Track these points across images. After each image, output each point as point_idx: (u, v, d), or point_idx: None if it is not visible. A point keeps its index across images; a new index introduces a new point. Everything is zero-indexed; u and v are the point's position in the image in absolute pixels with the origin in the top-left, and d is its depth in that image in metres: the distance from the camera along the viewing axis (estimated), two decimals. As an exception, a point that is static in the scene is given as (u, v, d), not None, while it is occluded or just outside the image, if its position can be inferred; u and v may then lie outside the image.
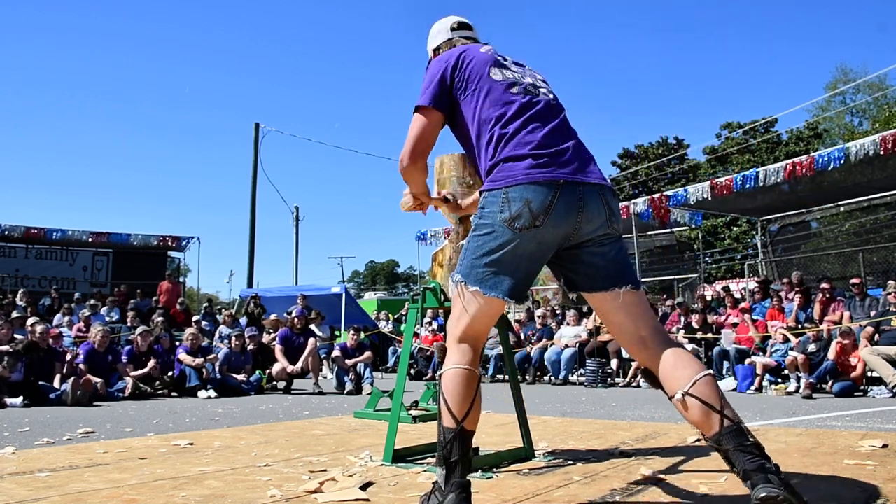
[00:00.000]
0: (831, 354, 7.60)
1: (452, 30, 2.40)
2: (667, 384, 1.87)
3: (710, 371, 1.84)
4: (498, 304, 2.00)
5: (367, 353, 9.05)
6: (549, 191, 1.91)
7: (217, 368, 8.32)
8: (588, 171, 1.99)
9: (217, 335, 11.20)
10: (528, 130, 2.01)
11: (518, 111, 2.05)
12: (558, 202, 1.91)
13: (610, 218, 1.98)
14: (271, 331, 11.13)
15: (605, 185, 1.99)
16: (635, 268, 1.96)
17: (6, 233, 15.29)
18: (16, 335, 7.77)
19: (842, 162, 9.37)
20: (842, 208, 12.33)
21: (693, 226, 13.64)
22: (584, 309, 11.51)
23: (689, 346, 9.00)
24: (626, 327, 1.96)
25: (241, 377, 8.49)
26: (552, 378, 10.36)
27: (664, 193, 12.00)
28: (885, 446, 3.11)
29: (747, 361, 8.39)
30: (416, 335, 11.96)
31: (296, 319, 9.37)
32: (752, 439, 1.73)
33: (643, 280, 11.05)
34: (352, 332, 9.34)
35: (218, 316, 12.94)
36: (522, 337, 11.18)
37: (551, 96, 2.16)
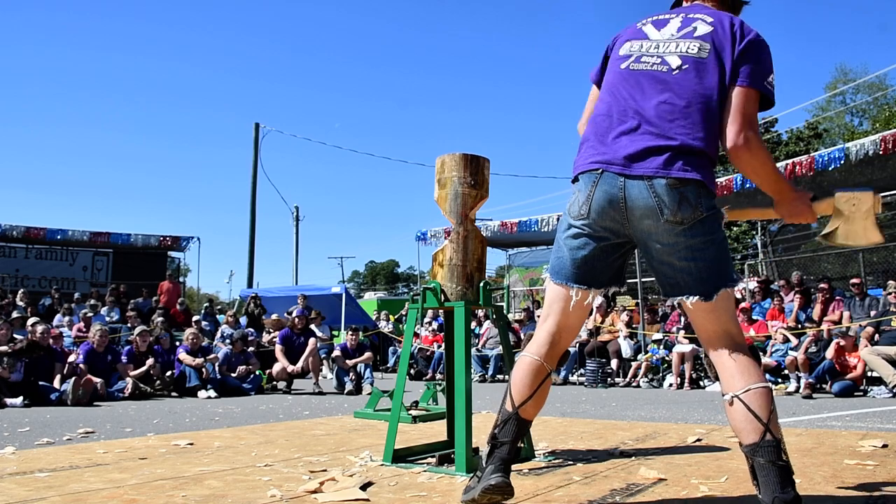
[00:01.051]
0: (829, 354, 7.61)
1: None
2: (721, 383, 1.88)
3: (769, 384, 1.82)
4: (564, 291, 2.00)
5: (368, 354, 9.05)
6: (589, 179, 1.91)
7: (217, 368, 8.32)
8: (639, 160, 1.84)
9: (218, 335, 11.20)
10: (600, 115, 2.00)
11: (614, 89, 1.98)
12: (596, 192, 1.89)
13: (662, 211, 1.81)
14: (272, 330, 11.14)
15: (654, 175, 1.82)
16: (719, 270, 1.85)
17: (6, 233, 15.30)
18: (16, 335, 7.77)
19: (842, 162, 9.36)
20: (842, 208, 12.31)
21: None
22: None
23: (689, 347, 9.01)
24: (696, 328, 1.95)
25: (240, 377, 8.49)
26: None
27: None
28: (885, 446, 3.11)
29: (747, 361, 8.38)
30: (416, 335, 11.96)
31: (296, 319, 9.38)
32: (785, 459, 1.73)
33: (643, 280, 11.10)
34: (350, 332, 9.34)
35: (220, 317, 12.94)
36: (522, 337, 11.17)
37: (675, 64, 1.91)
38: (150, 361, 7.94)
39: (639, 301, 10.88)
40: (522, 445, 2.93)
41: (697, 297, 1.86)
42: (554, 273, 2.04)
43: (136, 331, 8.47)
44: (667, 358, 9.44)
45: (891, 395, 7.00)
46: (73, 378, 6.75)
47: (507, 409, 2.00)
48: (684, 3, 2.14)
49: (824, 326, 8.36)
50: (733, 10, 2.09)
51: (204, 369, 8.12)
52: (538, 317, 12.47)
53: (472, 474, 2.08)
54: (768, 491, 1.70)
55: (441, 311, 3.07)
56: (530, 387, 1.98)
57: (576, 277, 1.99)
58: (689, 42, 1.92)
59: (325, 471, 2.66)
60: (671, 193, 1.81)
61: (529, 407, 1.99)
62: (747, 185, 10.44)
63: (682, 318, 9.98)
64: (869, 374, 7.52)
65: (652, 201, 1.83)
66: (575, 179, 1.99)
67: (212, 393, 7.85)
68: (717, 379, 1.96)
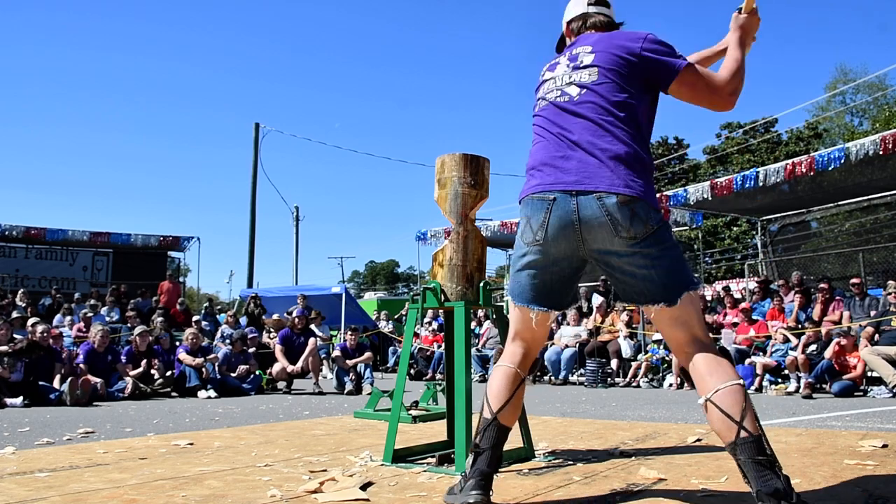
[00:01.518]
0: (828, 353, 7.61)
1: (589, 4, 2.28)
2: (697, 387, 1.91)
3: (740, 381, 1.83)
4: (526, 312, 2.10)
5: (368, 354, 9.05)
6: (541, 205, 1.98)
7: (217, 368, 8.32)
8: (585, 180, 1.92)
9: (218, 335, 11.20)
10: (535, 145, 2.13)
11: (538, 127, 2.13)
12: (551, 217, 1.96)
13: (615, 228, 1.89)
14: (273, 330, 11.14)
15: (604, 191, 1.89)
16: (678, 276, 1.93)
17: (6, 233, 15.30)
18: (16, 335, 7.77)
19: (842, 162, 9.36)
20: (842, 208, 12.33)
21: (693, 226, 13.64)
22: (585, 308, 11.52)
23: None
24: (667, 336, 2.00)
25: (240, 377, 8.49)
26: (552, 378, 10.37)
27: (664, 193, 11.98)
28: (885, 446, 3.11)
29: (747, 361, 8.39)
30: (416, 335, 11.95)
31: (296, 319, 9.38)
32: (767, 453, 1.74)
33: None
34: (349, 332, 9.35)
35: (220, 317, 12.94)
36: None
37: (574, 92, 2.05)
38: (147, 362, 7.95)
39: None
40: (523, 445, 2.94)
41: (662, 303, 1.93)
42: (515, 296, 2.13)
43: (137, 331, 8.47)
44: (667, 358, 9.44)
45: (891, 395, 7.00)
46: (71, 378, 6.75)
47: (486, 417, 2.08)
48: (568, 41, 2.29)
49: (824, 327, 8.36)
50: (613, 30, 2.23)
51: (204, 369, 8.12)
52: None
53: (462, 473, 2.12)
54: (754, 486, 1.73)
55: (441, 311, 3.07)
56: (506, 392, 2.08)
57: (536, 300, 2.09)
58: (580, 72, 2.07)
59: (325, 471, 2.66)
60: (622, 210, 1.89)
61: (507, 412, 2.08)
62: (747, 186, 10.44)
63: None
64: (869, 374, 7.51)
65: (605, 219, 1.90)
66: (520, 203, 2.09)
67: (212, 393, 7.85)
68: (691, 386, 1.99)
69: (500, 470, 2.66)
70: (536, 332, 2.14)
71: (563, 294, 2.10)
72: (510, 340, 2.18)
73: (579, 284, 2.32)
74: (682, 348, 1.95)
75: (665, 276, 1.92)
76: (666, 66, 2.00)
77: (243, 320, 12.21)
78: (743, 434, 1.75)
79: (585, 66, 2.06)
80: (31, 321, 8.37)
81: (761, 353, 8.53)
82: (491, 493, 2.04)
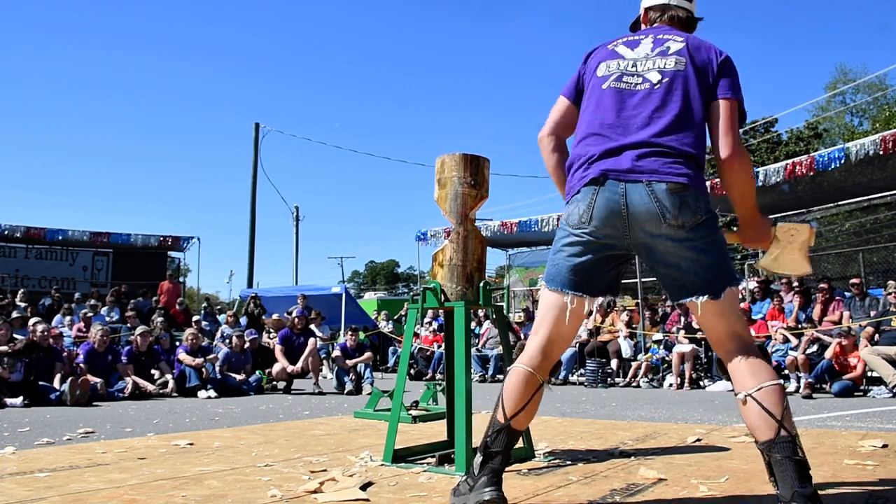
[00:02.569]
0: (829, 354, 7.61)
1: None
2: (734, 384, 1.90)
3: (780, 381, 1.85)
4: (560, 298, 2.02)
5: (368, 354, 9.06)
6: (589, 190, 1.96)
7: (217, 368, 8.32)
8: (637, 168, 1.90)
9: (219, 335, 11.20)
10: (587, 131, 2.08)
11: (602, 106, 2.06)
12: (598, 200, 1.93)
13: (663, 215, 1.86)
14: (273, 330, 11.14)
15: (653, 179, 1.88)
16: (723, 269, 1.91)
17: (6, 233, 15.29)
18: (16, 335, 7.77)
19: (842, 162, 9.36)
20: (842, 208, 12.32)
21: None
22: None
23: (689, 346, 9.01)
24: (706, 329, 1.97)
25: (240, 377, 8.50)
26: (552, 378, 10.36)
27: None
28: (885, 446, 3.12)
29: (747, 361, 8.38)
30: (416, 335, 11.96)
31: (296, 319, 9.37)
32: (801, 454, 1.76)
33: (643, 280, 11.09)
34: (349, 332, 9.35)
35: (220, 317, 12.93)
36: (522, 337, 11.17)
37: (654, 79, 2.01)
38: (168, 376, 8.04)
39: (639, 301, 10.88)
40: (523, 445, 2.94)
41: (706, 296, 1.88)
42: (550, 280, 2.06)
43: (137, 331, 8.47)
44: (667, 358, 9.44)
45: (891, 395, 7.00)
46: (71, 378, 6.74)
47: (498, 420, 2.01)
48: (643, 27, 2.26)
49: (824, 327, 8.36)
50: (689, 30, 2.22)
51: (204, 369, 8.12)
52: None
53: (462, 479, 2.07)
54: (787, 486, 1.72)
55: (441, 311, 3.07)
56: (522, 398, 2.00)
57: (572, 284, 2.01)
58: (666, 59, 2.03)
59: (325, 471, 2.66)
60: (671, 198, 1.86)
61: (521, 418, 2.01)
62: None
63: (682, 319, 9.99)
64: (869, 374, 7.52)
65: (653, 206, 1.87)
66: (576, 192, 2.03)
67: (212, 393, 7.84)
68: (728, 379, 1.98)
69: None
70: (565, 327, 2.04)
71: (601, 280, 2.04)
72: (534, 335, 2.08)
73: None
74: (722, 344, 1.93)
75: (710, 268, 1.89)
76: (727, 85, 2.00)
77: (243, 320, 12.21)
78: (783, 433, 1.76)
79: (672, 54, 2.03)
80: (31, 321, 8.37)
81: (761, 353, 8.53)
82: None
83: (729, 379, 1.99)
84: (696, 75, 2.00)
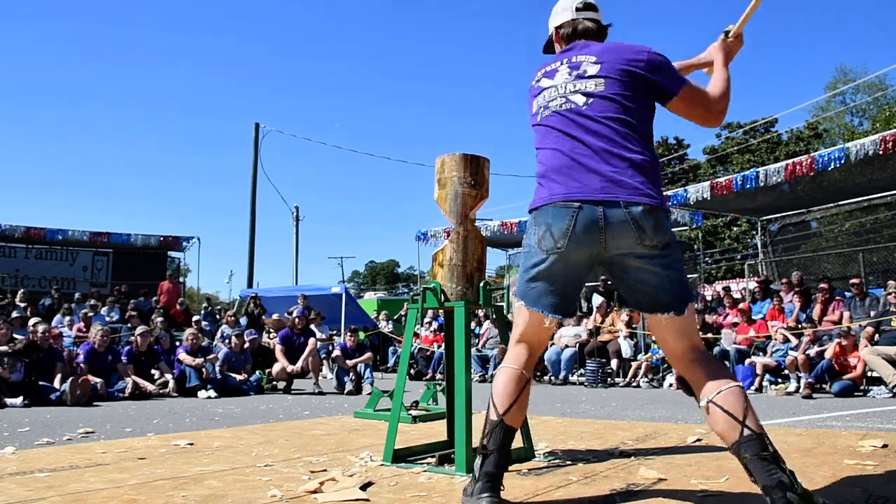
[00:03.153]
0: (829, 354, 7.61)
1: (577, 10, 2.29)
2: (697, 393, 1.96)
3: (739, 383, 1.90)
4: (540, 317, 2.10)
5: (368, 354, 9.06)
6: (565, 212, 1.99)
7: (217, 368, 8.32)
8: (609, 189, 1.95)
9: (218, 335, 11.20)
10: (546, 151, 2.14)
11: (546, 135, 2.14)
12: (578, 224, 1.97)
13: (643, 236, 1.93)
14: (273, 330, 11.14)
15: (630, 201, 1.93)
16: (685, 285, 2.04)
17: (6, 233, 15.29)
18: (16, 335, 7.77)
19: (842, 162, 9.36)
20: (842, 208, 12.32)
21: (693, 226, 13.64)
22: (584, 309, 11.51)
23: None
24: (667, 344, 2.04)
25: (240, 377, 8.51)
26: (552, 378, 10.36)
27: (664, 193, 12.00)
28: (885, 446, 3.11)
29: (747, 361, 8.39)
30: (416, 335, 11.96)
31: (296, 319, 9.37)
32: (770, 450, 1.78)
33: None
34: (348, 333, 9.35)
35: (220, 317, 12.93)
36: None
37: (580, 101, 2.07)
38: (168, 376, 8.03)
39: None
40: (523, 445, 2.94)
41: (672, 312, 1.98)
42: (529, 302, 2.11)
43: (137, 331, 8.47)
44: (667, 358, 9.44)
45: (891, 395, 7.00)
46: (71, 378, 6.74)
47: (492, 419, 2.08)
48: (557, 48, 2.31)
49: (824, 327, 8.35)
50: (601, 40, 2.27)
51: (204, 369, 8.12)
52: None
53: (471, 474, 2.11)
54: (761, 481, 1.76)
55: (441, 311, 3.07)
56: (512, 394, 2.08)
57: (552, 307, 2.08)
58: (586, 82, 2.08)
59: (325, 471, 2.66)
60: (647, 219, 1.94)
61: (513, 413, 2.08)
62: (747, 186, 10.44)
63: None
64: (869, 374, 7.51)
65: (631, 227, 1.93)
66: (533, 210, 2.08)
67: (212, 393, 7.84)
68: (690, 394, 2.02)
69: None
70: (542, 335, 2.17)
71: (574, 300, 2.15)
72: (514, 342, 2.18)
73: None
74: (683, 357, 2.00)
75: (675, 285, 1.99)
76: (669, 82, 2.07)
77: (243, 320, 12.21)
78: (746, 432, 1.79)
79: (591, 77, 2.08)
80: (31, 321, 8.37)
81: (761, 354, 8.53)
82: (502, 489, 2.05)
83: (689, 393, 2.02)
84: (625, 85, 2.05)
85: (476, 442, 2.83)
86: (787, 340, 8.35)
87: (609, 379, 9.73)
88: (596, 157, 1.99)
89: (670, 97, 2.07)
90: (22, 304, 11.74)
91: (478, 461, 2.05)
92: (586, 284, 11.93)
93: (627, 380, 9.62)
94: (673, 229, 2.11)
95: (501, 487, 2.05)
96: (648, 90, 2.07)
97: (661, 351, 9.56)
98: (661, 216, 1.96)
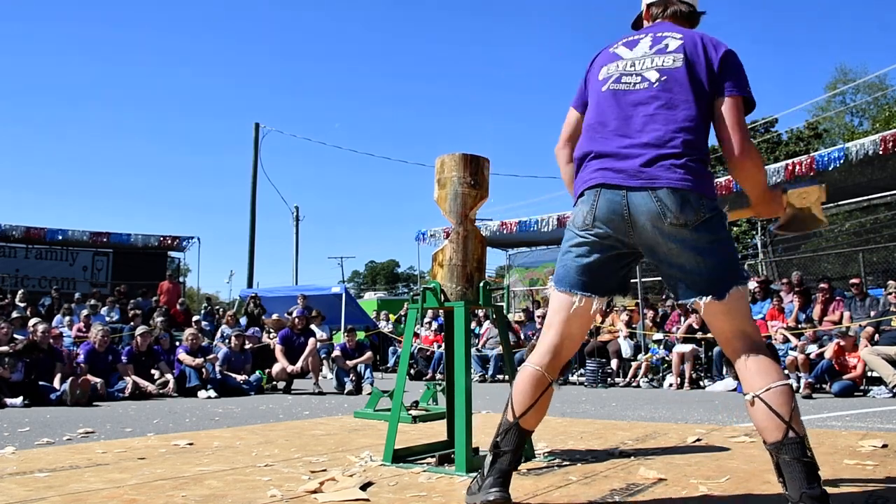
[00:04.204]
0: (828, 354, 7.61)
1: None
2: (743, 384, 1.90)
3: (789, 381, 1.85)
4: (569, 298, 2.04)
5: (368, 354, 9.05)
6: (591, 193, 1.98)
7: (217, 368, 8.32)
8: (639, 172, 1.92)
9: (218, 335, 11.19)
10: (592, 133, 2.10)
11: (603, 108, 2.07)
12: (600, 202, 1.96)
13: (664, 214, 1.87)
14: (273, 330, 11.13)
15: (655, 186, 1.89)
16: (727, 269, 1.91)
17: (6, 233, 15.29)
18: (16, 335, 7.76)
19: (842, 162, 9.36)
20: (842, 208, 12.32)
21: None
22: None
23: (689, 347, 9.01)
24: (714, 331, 1.97)
25: (241, 377, 8.51)
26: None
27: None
28: (885, 446, 3.12)
29: (747, 361, 8.37)
30: (416, 335, 11.95)
31: (296, 319, 9.37)
32: (810, 455, 1.75)
33: (643, 280, 11.09)
34: (347, 333, 9.35)
35: (220, 317, 12.93)
36: (522, 337, 11.18)
37: (653, 77, 2.01)
38: (168, 376, 8.01)
39: (639, 301, 10.88)
40: (525, 449, 2.94)
41: (710, 297, 1.89)
42: (558, 281, 2.08)
43: (138, 331, 8.47)
44: (667, 358, 9.44)
45: (891, 395, 7.00)
46: (71, 378, 6.74)
47: (507, 420, 2.03)
48: (645, 24, 2.26)
49: (824, 327, 8.35)
50: (692, 25, 2.22)
51: (204, 369, 8.12)
52: (538, 317, 12.48)
53: (474, 475, 2.10)
54: (795, 487, 1.72)
55: (441, 311, 3.07)
56: (532, 397, 2.02)
57: (580, 284, 2.03)
58: (664, 56, 2.03)
59: (325, 471, 2.66)
60: (672, 197, 1.87)
61: (530, 417, 2.03)
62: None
63: (682, 319, 9.99)
64: (869, 374, 7.51)
65: (655, 206, 1.88)
66: (580, 195, 2.05)
67: (212, 393, 7.84)
68: (736, 378, 2.00)
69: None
70: (574, 327, 2.07)
71: (609, 280, 2.05)
72: (543, 335, 2.09)
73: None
74: (729, 343, 1.92)
75: (714, 268, 1.89)
76: (730, 82, 1.98)
77: (243, 320, 12.21)
78: (791, 434, 1.75)
79: (671, 52, 2.02)
80: (32, 321, 8.37)
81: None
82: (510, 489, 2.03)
83: (737, 378, 1.99)
84: (696, 72, 1.98)
85: (476, 442, 2.84)
86: (787, 340, 8.35)
87: (609, 379, 9.73)
88: (643, 139, 1.95)
89: (721, 94, 1.97)
90: (22, 304, 11.74)
91: (488, 458, 2.02)
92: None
93: (627, 380, 9.62)
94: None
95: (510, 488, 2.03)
96: (712, 82, 1.98)
97: (660, 350, 9.59)
98: (691, 195, 1.88)
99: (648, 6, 2.25)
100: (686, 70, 1.98)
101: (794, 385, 7.73)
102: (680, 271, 1.92)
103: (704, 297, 1.89)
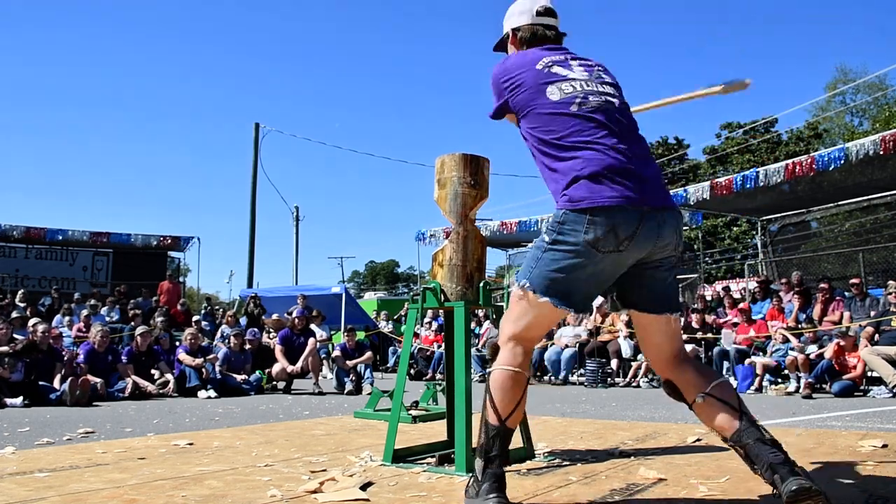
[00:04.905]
0: (828, 354, 7.61)
1: (538, 14, 2.27)
2: (687, 392, 2.00)
3: (726, 377, 2.00)
4: (560, 314, 2.10)
5: (368, 354, 9.06)
6: (634, 215, 1.92)
7: (217, 368, 8.32)
8: (664, 194, 2.04)
9: (218, 335, 11.19)
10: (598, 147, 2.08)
11: (593, 126, 2.08)
12: (644, 228, 1.94)
13: (678, 242, 2.03)
14: (273, 330, 11.14)
15: (674, 206, 2.05)
16: (677, 291, 2.19)
17: (6, 233, 15.29)
18: (16, 335, 7.76)
19: (842, 162, 9.37)
20: (842, 208, 12.33)
21: (693, 226, 13.65)
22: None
23: (689, 347, 9.01)
24: (662, 347, 2.09)
25: (241, 377, 8.51)
26: (552, 378, 10.36)
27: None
28: (885, 446, 3.11)
29: (747, 361, 8.39)
30: (416, 335, 11.95)
31: (296, 319, 9.37)
32: (768, 435, 1.84)
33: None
34: (346, 334, 9.35)
35: (220, 318, 12.93)
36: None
37: (616, 103, 2.13)
38: (168, 376, 8.01)
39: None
40: (522, 445, 2.94)
41: (676, 312, 2.08)
42: (558, 300, 1.98)
43: (137, 331, 8.47)
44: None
45: (891, 395, 7.00)
46: (71, 378, 6.74)
47: (493, 424, 2.01)
48: (511, 50, 2.33)
49: (824, 327, 8.35)
50: (560, 42, 2.33)
51: (204, 369, 8.12)
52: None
53: (471, 475, 2.10)
54: (764, 460, 1.78)
55: (441, 311, 3.07)
56: (514, 399, 2.03)
57: (583, 306, 2.07)
58: (606, 86, 2.13)
59: (325, 471, 2.66)
60: (680, 223, 2.05)
61: (515, 417, 2.06)
62: (747, 186, 10.44)
63: (682, 319, 9.99)
64: (869, 374, 7.51)
65: (675, 231, 2.02)
66: (592, 209, 1.92)
67: (212, 393, 7.84)
68: (678, 398, 2.04)
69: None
70: (544, 332, 2.22)
71: (594, 296, 2.17)
72: (515, 338, 2.07)
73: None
74: (673, 358, 2.07)
75: (677, 288, 2.13)
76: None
77: (243, 320, 12.21)
78: (745, 420, 1.86)
79: (609, 83, 2.15)
80: (31, 321, 8.37)
81: (761, 354, 8.53)
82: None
83: (677, 397, 2.03)
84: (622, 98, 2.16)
85: (476, 442, 2.84)
86: (786, 340, 8.35)
87: (609, 379, 9.73)
88: (647, 161, 2.03)
89: None
90: (22, 304, 11.74)
91: (479, 463, 2.02)
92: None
93: (627, 380, 9.62)
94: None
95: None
96: None
97: (645, 357, 9.59)
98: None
99: (514, 31, 2.35)
100: (622, 100, 2.19)
101: (795, 385, 7.74)
102: (660, 285, 2.08)
103: (672, 314, 2.07)
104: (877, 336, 7.76)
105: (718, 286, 13.75)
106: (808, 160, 9.85)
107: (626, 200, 1.92)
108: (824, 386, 7.69)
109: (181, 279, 18.42)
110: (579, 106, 2.04)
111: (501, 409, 2.01)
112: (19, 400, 6.43)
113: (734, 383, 8.34)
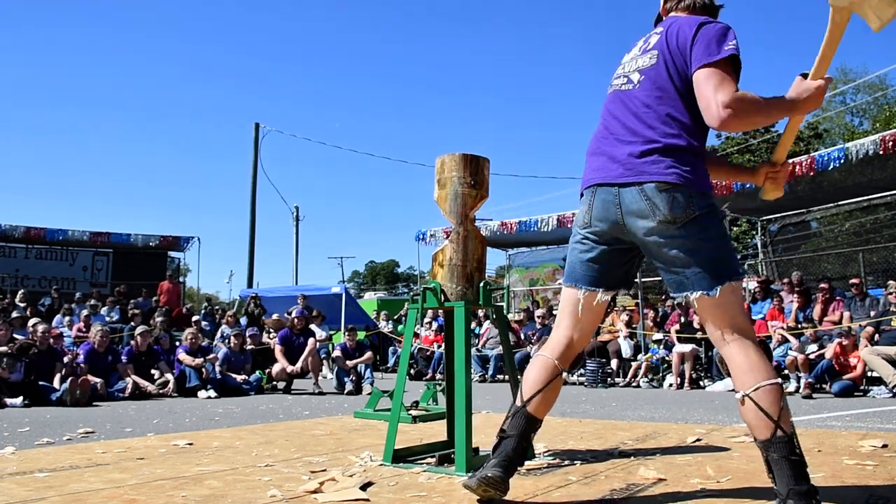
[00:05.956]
0: (829, 354, 7.61)
1: None
2: (735, 382, 1.91)
3: (778, 380, 1.87)
4: (575, 293, 2.14)
5: (368, 354, 9.05)
6: (589, 192, 2.08)
7: (217, 368, 8.32)
8: (628, 169, 1.96)
9: (218, 335, 11.19)
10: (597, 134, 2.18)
11: (603, 112, 2.17)
12: (595, 202, 2.04)
13: (654, 212, 1.91)
14: (273, 330, 11.13)
15: (643, 181, 1.91)
16: (719, 265, 1.91)
17: (6, 233, 15.28)
18: (16, 335, 7.76)
19: (842, 162, 9.36)
20: (842, 208, 12.32)
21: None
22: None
23: (689, 347, 9.01)
24: (707, 325, 1.98)
25: (240, 377, 8.51)
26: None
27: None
28: (885, 446, 3.12)
29: (747, 361, 8.38)
30: (416, 335, 11.96)
31: (296, 319, 9.37)
32: (798, 452, 1.78)
33: (643, 280, 11.09)
34: (347, 333, 9.35)
35: (220, 318, 12.94)
36: (522, 337, 11.18)
37: (636, 79, 2.05)
38: (168, 376, 7.99)
39: (639, 301, 10.88)
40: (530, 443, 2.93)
41: (701, 292, 1.91)
42: (565, 278, 2.19)
43: (137, 330, 8.47)
44: (667, 358, 9.44)
45: (891, 395, 7.00)
46: (71, 378, 6.74)
47: (516, 404, 2.12)
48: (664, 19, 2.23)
49: (824, 327, 8.35)
50: (709, 13, 2.11)
51: (204, 369, 8.12)
52: (538, 317, 12.45)
53: (470, 474, 2.12)
54: (783, 484, 1.76)
55: (441, 311, 3.07)
56: (540, 382, 2.10)
57: (584, 280, 2.13)
58: (645, 56, 2.07)
59: (325, 471, 2.66)
60: (661, 196, 1.91)
61: (537, 402, 2.09)
62: (747, 186, 10.43)
63: (682, 318, 9.99)
64: (869, 374, 7.51)
65: (644, 204, 1.93)
66: (581, 194, 2.15)
67: (212, 393, 7.84)
68: (728, 375, 2.02)
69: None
70: (583, 320, 2.16)
71: (611, 274, 2.13)
72: (555, 329, 2.21)
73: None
74: (722, 339, 1.93)
75: (707, 264, 1.90)
76: (696, 56, 1.89)
77: (243, 320, 12.21)
78: (779, 433, 1.78)
79: (649, 50, 2.06)
80: (31, 321, 8.37)
81: (761, 353, 8.52)
82: (512, 475, 2.06)
83: (730, 375, 1.99)
84: (673, 63, 1.96)
85: (476, 442, 2.84)
86: (786, 341, 8.35)
87: (609, 379, 9.72)
88: (629, 137, 2.00)
89: (692, 70, 1.90)
90: (22, 304, 11.74)
91: (494, 443, 2.08)
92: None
93: (627, 380, 9.62)
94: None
95: (511, 476, 2.06)
96: (690, 66, 1.92)
97: (660, 350, 9.59)
98: (680, 192, 1.89)
99: (664, 1, 2.21)
100: (663, 65, 1.99)
101: (795, 385, 7.74)
102: (672, 265, 1.95)
103: (696, 293, 1.92)
104: (877, 336, 7.75)
105: (718, 286, 13.73)
106: (808, 160, 9.84)
107: (588, 181, 2.13)
108: (824, 386, 7.69)
109: (181, 279, 18.41)
110: (608, 91, 2.19)
111: (525, 390, 2.12)
112: (19, 400, 6.43)
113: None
